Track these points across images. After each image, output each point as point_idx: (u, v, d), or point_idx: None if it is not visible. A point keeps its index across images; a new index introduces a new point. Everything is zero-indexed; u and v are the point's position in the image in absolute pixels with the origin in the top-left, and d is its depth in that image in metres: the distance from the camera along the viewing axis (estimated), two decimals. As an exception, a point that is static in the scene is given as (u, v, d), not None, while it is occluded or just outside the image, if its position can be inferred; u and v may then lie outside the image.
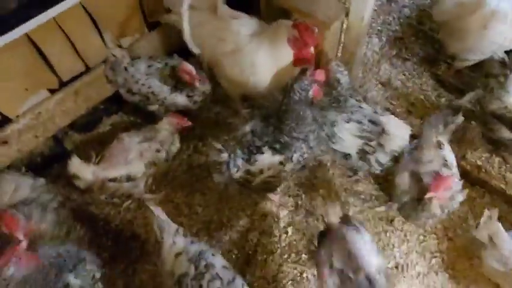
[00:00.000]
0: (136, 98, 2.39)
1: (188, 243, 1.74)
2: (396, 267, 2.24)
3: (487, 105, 2.29)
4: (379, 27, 3.31)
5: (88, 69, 2.31)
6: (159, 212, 1.80)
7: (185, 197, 2.49)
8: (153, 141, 2.19)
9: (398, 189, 2.09)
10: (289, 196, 2.49)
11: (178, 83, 2.33)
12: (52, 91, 2.24)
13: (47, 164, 2.58)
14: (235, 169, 1.89)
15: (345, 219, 1.82)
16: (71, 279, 1.63)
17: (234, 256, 2.31)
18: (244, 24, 2.23)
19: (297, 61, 2.10)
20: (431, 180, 1.92)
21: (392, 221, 2.40)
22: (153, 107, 2.44)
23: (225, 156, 1.86)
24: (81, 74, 2.30)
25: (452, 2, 2.58)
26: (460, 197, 1.99)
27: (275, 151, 1.91)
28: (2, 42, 1.72)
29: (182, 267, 1.66)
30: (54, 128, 2.36)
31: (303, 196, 2.50)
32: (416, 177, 2.02)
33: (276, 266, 2.26)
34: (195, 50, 2.29)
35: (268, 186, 2.10)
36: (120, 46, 2.20)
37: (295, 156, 1.94)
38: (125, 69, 2.29)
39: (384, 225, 2.39)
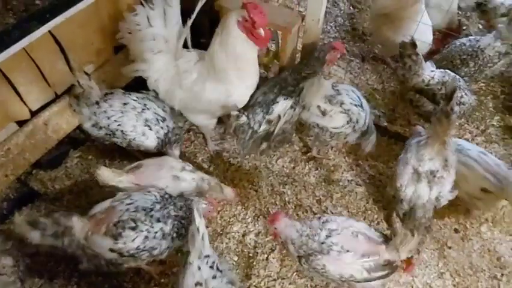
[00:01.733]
0: (102, 132, 2.30)
1: (210, 277, 1.68)
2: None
3: (409, 82, 2.67)
4: (321, 36, 3.65)
5: (57, 97, 2.21)
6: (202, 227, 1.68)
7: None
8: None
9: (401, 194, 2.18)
10: (276, 195, 2.59)
11: None
12: (20, 123, 2.11)
13: (15, 207, 2.38)
14: (258, 125, 2.31)
15: None
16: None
17: (234, 263, 2.31)
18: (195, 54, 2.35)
19: (255, 41, 2.13)
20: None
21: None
22: (117, 140, 2.37)
23: (244, 118, 2.25)
24: (49, 103, 2.20)
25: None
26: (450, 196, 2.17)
27: (287, 97, 2.35)
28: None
29: None
30: (25, 164, 2.20)
31: (289, 192, 2.62)
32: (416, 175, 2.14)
33: (278, 262, 2.31)
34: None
35: (285, 136, 2.55)
36: (87, 74, 2.12)
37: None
38: (97, 103, 2.23)
39: (366, 204, 2.59)
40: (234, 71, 2.22)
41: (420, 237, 2.18)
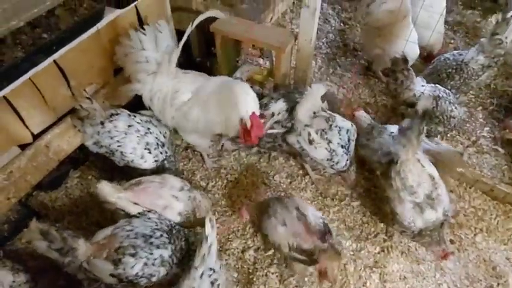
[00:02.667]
0: (102, 150, 2.35)
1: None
2: (383, 251, 2.47)
3: (400, 96, 2.76)
4: (313, 54, 3.76)
5: (58, 119, 2.26)
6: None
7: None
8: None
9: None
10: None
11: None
12: (22, 147, 2.15)
13: (16, 229, 2.40)
14: None
15: None
16: None
17: (234, 279, 2.33)
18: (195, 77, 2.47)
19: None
20: None
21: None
22: (115, 159, 2.40)
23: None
24: (50, 126, 2.25)
25: (384, 10, 3.08)
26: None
27: (284, 101, 2.57)
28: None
29: None
30: (26, 187, 2.23)
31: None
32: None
33: (277, 277, 2.34)
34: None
35: (274, 145, 2.73)
36: (89, 98, 2.17)
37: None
38: (101, 123, 2.28)
39: (363, 217, 2.63)
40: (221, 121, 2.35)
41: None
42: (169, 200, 2.19)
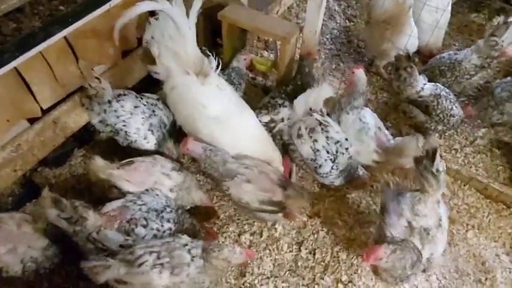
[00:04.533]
0: (107, 129, 2.39)
1: None
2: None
3: (403, 93, 2.81)
4: (317, 47, 3.82)
5: (67, 96, 2.33)
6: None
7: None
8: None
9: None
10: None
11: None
12: (31, 121, 2.22)
13: (20, 203, 2.47)
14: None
15: None
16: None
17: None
18: (229, 97, 2.43)
19: None
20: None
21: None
22: (118, 139, 2.46)
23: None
24: (59, 102, 2.31)
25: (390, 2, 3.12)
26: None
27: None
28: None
29: None
30: (33, 161, 2.30)
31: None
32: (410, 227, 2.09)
33: (272, 261, 2.40)
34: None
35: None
36: (98, 78, 2.20)
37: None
38: (109, 102, 2.30)
39: (357, 208, 2.69)
40: None
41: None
42: (159, 177, 2.25)
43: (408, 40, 3.06)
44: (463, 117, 2.89)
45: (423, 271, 2.17)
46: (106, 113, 2.32)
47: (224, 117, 2.36)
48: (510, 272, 2.45)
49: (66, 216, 1.84)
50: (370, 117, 2.63)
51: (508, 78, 2.88)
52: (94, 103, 2.31)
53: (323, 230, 2.55)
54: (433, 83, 2.83)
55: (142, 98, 2.47)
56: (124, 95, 2.39)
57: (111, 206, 2.02)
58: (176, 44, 2.28)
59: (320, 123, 2.37)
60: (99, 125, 2.40)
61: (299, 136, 2.41)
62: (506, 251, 2.54)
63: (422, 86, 2.76)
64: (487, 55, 2.84)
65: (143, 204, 2.05)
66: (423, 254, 2.05)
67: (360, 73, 2.57)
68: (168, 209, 2.10)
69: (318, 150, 2.39)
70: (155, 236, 1.99)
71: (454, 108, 2.78)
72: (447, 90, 2.81)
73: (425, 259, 2.08)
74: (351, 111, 2.61)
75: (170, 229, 2.06)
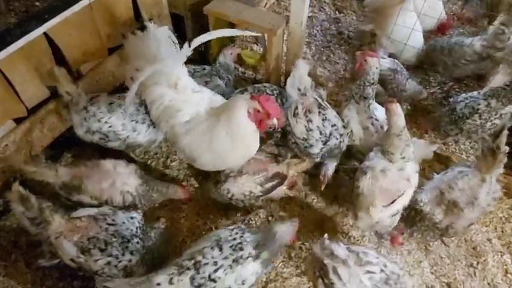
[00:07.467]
0: (96, 137, 2.35)
1: None
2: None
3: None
4: (307, 40, 3.80)
5: (52, 95, 2.31)
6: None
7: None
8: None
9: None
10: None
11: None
12: (18, 121, 2.20)
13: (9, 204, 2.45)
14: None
15: None
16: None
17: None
18: (205, 98, 2.27)
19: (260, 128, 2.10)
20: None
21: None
22: (114, 144, 2.43)
23: None
24: (45, 101, 2.29)
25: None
26: None
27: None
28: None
29: None
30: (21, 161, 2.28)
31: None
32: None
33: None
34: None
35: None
36: (75, 82, 2.18)
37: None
38: (85, 108, 2.26)
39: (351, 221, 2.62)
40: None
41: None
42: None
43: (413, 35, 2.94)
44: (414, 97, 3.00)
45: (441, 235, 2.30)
46: (87, 120, 2.28)
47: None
48: (501, 256, 2.46)
49: (30, 216, 1.81)
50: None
51: (475, 93, 2.66)
52: (72, 113, 2.27)
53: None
54: (391, 59, 2.91)
55: (113, 95, 2.42)
56: (97, 96, 2.36)
57: (83, 213, 1.96)
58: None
59: (320, 105, 2.41)
60: (87, 136, 2.36)
61: (295, 115, 2.40)
62: (498, 235, 2.56)
63: (381, 60, 2.79)
64: (491, 44, 2.83)
65: (112, 225, 1.91)
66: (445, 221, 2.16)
67: (373, 62, 2.40)
68: (135, 240, 1.93)
69: (311, 130, 2.37)
70: (108, 264, 1.84)
71: (408, 83, 2.89)
72: (401, 66, 2.90)
73: (445, 226, 2.18)
74: (362, 102, 2.51)
75: (129, 261, 1.89)
